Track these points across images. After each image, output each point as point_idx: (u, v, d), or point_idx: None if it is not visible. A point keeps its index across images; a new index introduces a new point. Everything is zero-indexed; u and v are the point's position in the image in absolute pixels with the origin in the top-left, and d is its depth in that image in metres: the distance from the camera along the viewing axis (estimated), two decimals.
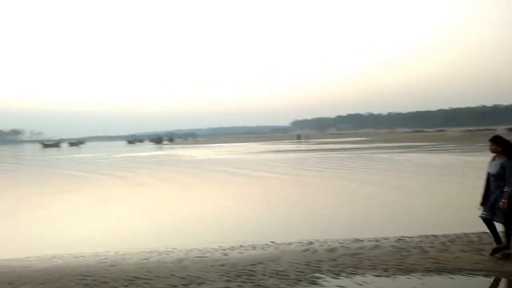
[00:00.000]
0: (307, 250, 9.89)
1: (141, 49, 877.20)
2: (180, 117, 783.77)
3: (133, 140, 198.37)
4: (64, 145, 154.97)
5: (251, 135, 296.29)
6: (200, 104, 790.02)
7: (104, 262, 9.52)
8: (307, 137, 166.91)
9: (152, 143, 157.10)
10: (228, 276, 7.93)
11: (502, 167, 8.20)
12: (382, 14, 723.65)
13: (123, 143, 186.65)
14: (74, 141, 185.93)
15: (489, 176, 8.47)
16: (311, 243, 10.56)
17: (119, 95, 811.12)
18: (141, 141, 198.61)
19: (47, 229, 14.15)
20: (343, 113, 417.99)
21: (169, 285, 7.57)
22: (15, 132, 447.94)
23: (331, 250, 9.77)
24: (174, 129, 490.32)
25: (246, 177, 28.27)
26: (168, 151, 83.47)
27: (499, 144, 8.36)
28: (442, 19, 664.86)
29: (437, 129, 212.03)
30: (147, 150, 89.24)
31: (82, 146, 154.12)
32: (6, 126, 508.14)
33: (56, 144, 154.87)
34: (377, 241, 10.47)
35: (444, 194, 18.30)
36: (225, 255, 9.78)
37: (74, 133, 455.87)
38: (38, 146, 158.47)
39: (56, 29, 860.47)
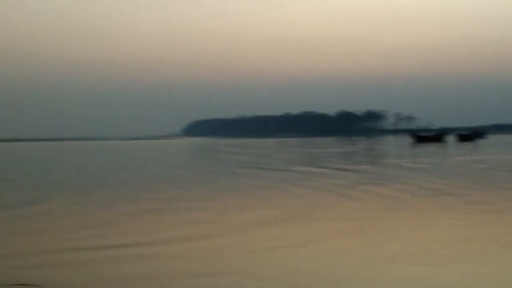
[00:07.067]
0: None
1: None
2: None
3: None
4: (450, 139, 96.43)
5: None
6: None
7: None
8: None
9: None
10: None
11: None
12: None
13: None
14: (466, 132, 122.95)
15: None
16: None
17: None
18: None
19: None
20: None
21: None
22: (373, 116, 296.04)
23: None
24: None
25: None
26: None
27: None
28: None
29: None
30: None
31: (480, 141, 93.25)
32: (358, 107, 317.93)
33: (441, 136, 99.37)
34: None
35: None
36: None
37: (462, 119, 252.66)
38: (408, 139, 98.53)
39: None
